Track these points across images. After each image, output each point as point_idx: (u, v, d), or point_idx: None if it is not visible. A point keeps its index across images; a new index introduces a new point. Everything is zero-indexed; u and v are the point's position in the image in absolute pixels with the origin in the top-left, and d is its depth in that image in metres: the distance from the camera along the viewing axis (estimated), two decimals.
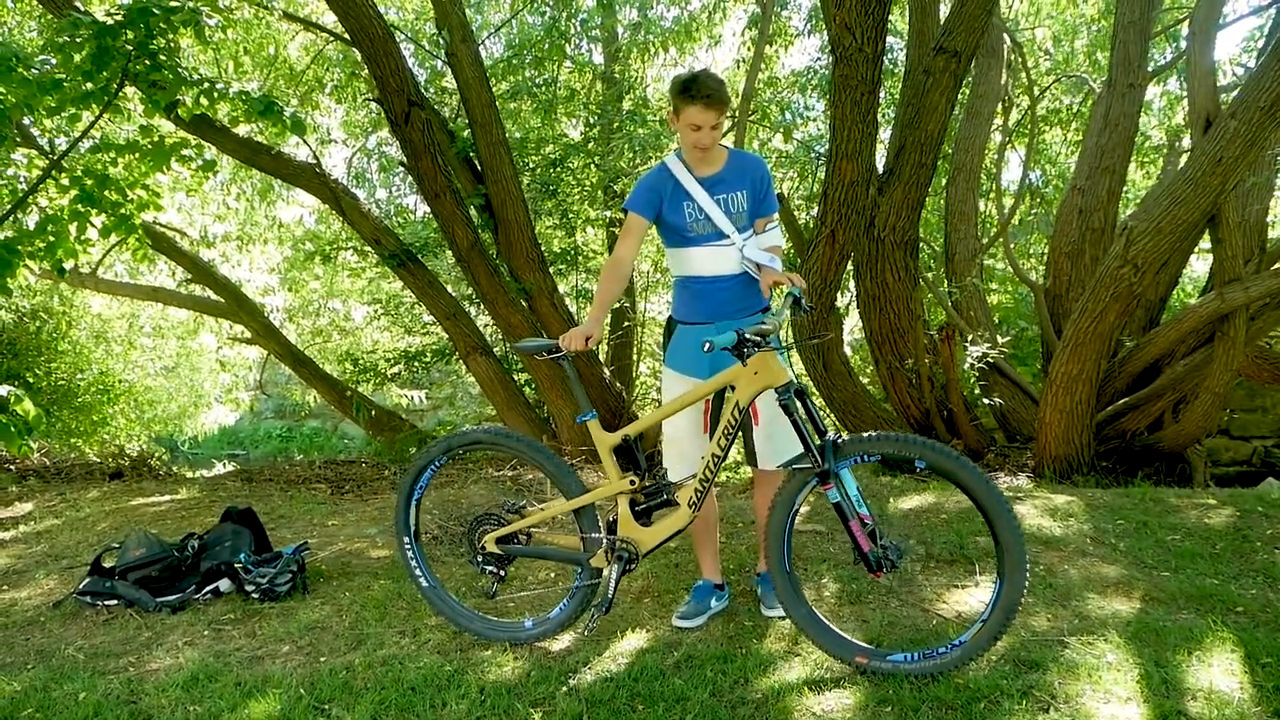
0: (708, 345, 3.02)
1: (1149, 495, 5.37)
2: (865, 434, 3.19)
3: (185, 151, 7.11)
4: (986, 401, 7.67)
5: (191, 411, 15.01)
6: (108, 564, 4.41)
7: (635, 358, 10.25)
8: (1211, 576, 4.05)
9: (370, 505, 6.14)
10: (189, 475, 8.90)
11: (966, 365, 7.31)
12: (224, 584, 4.26)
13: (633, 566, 3.44)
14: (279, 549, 4.48)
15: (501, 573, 3.64)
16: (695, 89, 3.29)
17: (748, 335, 3.07)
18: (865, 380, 9.31)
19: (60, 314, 12.36)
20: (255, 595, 4.17)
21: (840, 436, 3.13)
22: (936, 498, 5.40)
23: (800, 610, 3.23)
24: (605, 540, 3.45)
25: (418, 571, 3.72)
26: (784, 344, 3.23)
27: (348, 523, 5.66)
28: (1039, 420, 6.65)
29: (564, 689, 3.16)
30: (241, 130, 8.23)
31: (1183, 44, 11.45)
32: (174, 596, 4.18)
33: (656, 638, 3.55)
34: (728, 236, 3.50)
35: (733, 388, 3.28)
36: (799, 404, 3.14)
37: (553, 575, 4.40)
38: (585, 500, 3.47)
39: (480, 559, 3.64)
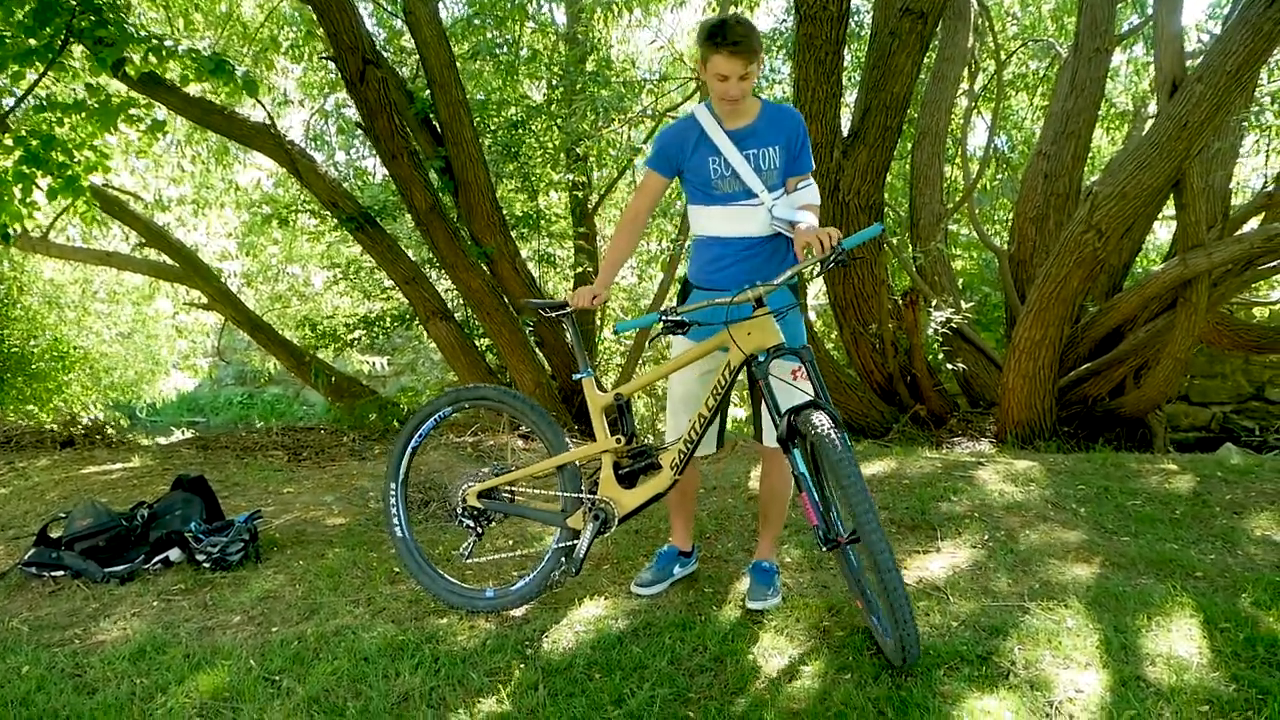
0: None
1: (1110, 460, 5.38)
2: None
3: (133, 111, 6.92)
4: (950, 367, 7.67)
5: (149, 378, 14.74)
6: (54, 534, 4.29)
7: (599, 323, 10.15)
8: (1171, 541, 4.05)
9: (328, 473, 6.04)
10: (143, 443, 8.72)
11: (930, 331, 7.30)
12: (174, 553, 4.15)
13: (609, 529, 3.37)
14: (231, 517, 4.38)
15: (479, 530, 3.58)
16: (721, 35, 3.04)
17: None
18: (829, 346, 9.30)
19: (11, 279, 12.06)
20: (206, 565, 4.08)
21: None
22: (898, 464, 5.38)
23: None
24: (585, 500, 3.39)
25: (396, 520, 3.65)
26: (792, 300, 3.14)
27: (304, 490, 5.56)
28: (1001, 385, 6.65)
29: (520, 658, 3.10)
30: (194, 90, 8.03)
31: (1149, 8, 11.47)
32: (122, 567, 4.08)
33: (615, 605, 3.50)
34: (756, 196, 3.26)
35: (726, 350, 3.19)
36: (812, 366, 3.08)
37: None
38: (569, 457, 3.42)
39: (460, 511, 3.58)
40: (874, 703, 2.73)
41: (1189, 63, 6.33)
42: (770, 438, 3.45)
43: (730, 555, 4.03)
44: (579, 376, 3.43)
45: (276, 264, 13.23)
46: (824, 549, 3.01)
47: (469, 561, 3.69)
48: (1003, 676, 2.84)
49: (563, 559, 3.46)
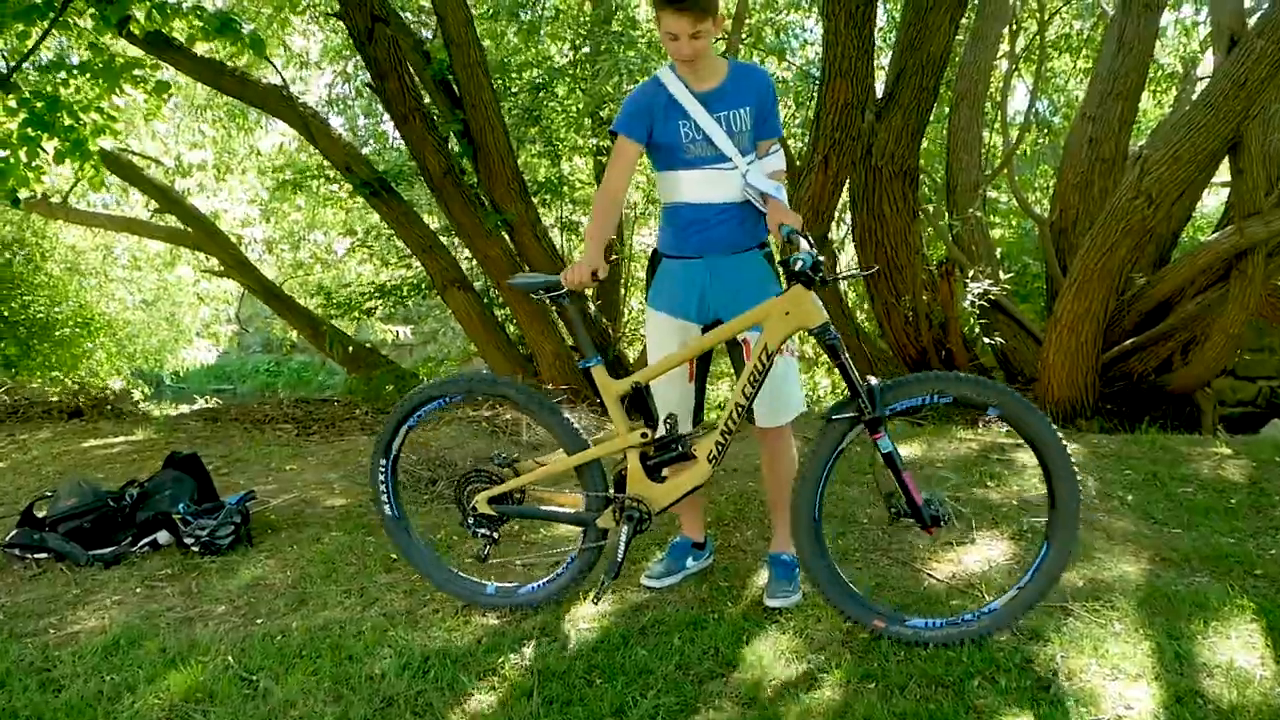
0: (798, 264, 2.70)
1: (1158, 443, 5.05)
2: (913, 375, 2.88)
3: (138, 73, 6.71)
4: (987, 341, 7.32)
5: (172, 346, 14.70)
6: (40, 514, 4.09)
7: (624, 292, 9.88)
8: (1227, 534, 3.75)
9: (335, 448, 5.83)
10: (153, 414, 8.58)
11: (967, 303, 6.96)
12: (162, 536, 3.94)
13: (645, 527, 3.08)
14: (224, 499, 4.17)
15: (495, 535, 3.26)
16: None
17: (821, 260, 2.74)
18: (861, 317, 8.98)
19: (34, 245, 11.98)
20: (195, 549, 3.87)
21: (885, 381, 2.81)
22: (930, 445, 5.09)
23: (821, 563, 2.90)
24: (615, 499, 3.10)
25: (385, 499, 3.33)
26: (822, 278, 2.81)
27: (307, 467, 5.35)
28: (1042, 361, 6.32)
29: (516, 660, 2.87)
30: (208, 52, 7.81)
31: None
32: (108, 550, 3.88)
33: (622, 600, 3.26)
34: (729, 160, 3.04)
35: (758, 329, 2.91)
36: (843, 346, 2.79)
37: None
38: (590, 455, 3.10)
39: (472, 521, 3.26)
40: (900, 717, 2.47)
41: (1249, 18, 5.91)
42: (766, 418, 3.22)
43: (749, 545, 3.77)
44: (587, 364, 3.11)
45: (299, 230, 13.04)
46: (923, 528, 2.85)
47: (487, 563, 3.40)
48: (1043, 689, 2.57)
49: (588, 563, 3.20)
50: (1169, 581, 3.25)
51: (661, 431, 3.07)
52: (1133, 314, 6.65)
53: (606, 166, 3.29)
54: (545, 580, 3.23)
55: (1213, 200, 10.98)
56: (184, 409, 13.55)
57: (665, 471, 3.10)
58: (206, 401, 14.43)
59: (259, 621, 3.26)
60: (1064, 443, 2.72)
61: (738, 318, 2.94)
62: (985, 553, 3.57)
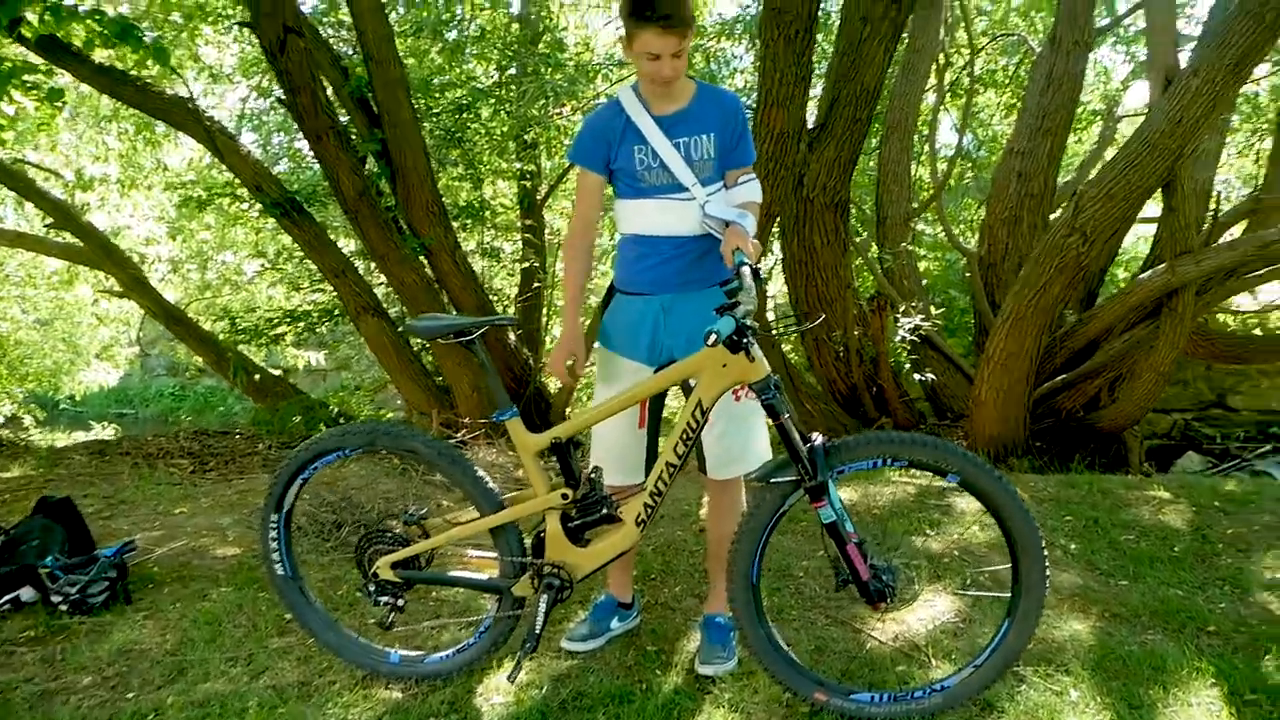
0: (712, 337, 2.39)
1: (1095, 485, 4.93)
2: (864, 434, 2.63)
3: (29, 78, 6.27)
4: (917, 377, 7.19)
5: (68, 368, 13.95)
6: None
7: (545, 320, 9.57)
8: (1175, 586, 3.60)
9: (232, 487, 5.41)
10: (37, 446, 8.00)
11: (898, 338, 6.82)
12: (26, 593, 3.51)
13: (565, 595, 2.77)
14: (99, 550, 3.76)
15: (400, 602, 2.93)
16: (650, 7, 2.55)
17: (747, 324, 2.44)
18: (787, 349, 8.81)
19: None
20: (64, 607, 3.45)
21: (830, 440, 2.53)
22: (864, 487, 4.89)
23: (758, 631, 2.64)
24: (532, 565, 2.80)
25: (276, 556, 2.98)
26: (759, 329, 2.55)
27: (199, 510, 4.93)
28: (973, 399, 6.19)
29: None
30: (107, 58, 7.36)
31: (1118, 4, 11.14)
32: None
33: (540, 670, 2.96)
34: (686, 189, 2.79)
35: (692, 382, 2.65)
36: (784, 403, 2.53)
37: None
38: (506, 517, 2.78)
39: (374, 589, 2.92)
40: None
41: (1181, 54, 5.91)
42: (718, 468, 2.96)
43: (678, 602, 3.50)
44: (501, 417, 2.79)
45: (206, 250, 12.45)
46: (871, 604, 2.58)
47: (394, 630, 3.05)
48: None
49: (503, 632, 2.88)
50: (1122, 640, 3.07)
51: (586, 490, 2.78)
52: (1064, 351, 6.57)
53: (575, 206, 3.02)
54: (455, 649, 2.91)
55: (1128, 237, 11.11)
56: (78, 436, 12.90)
57: (589, 534, 2.82)
58: (103, 428, 13.74)
59: (129, 696, 2.88)
60: (1031, 515, 2.50)
61: (675, 365, 2.68)
62: (930, 610, 3.36)
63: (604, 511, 2.74)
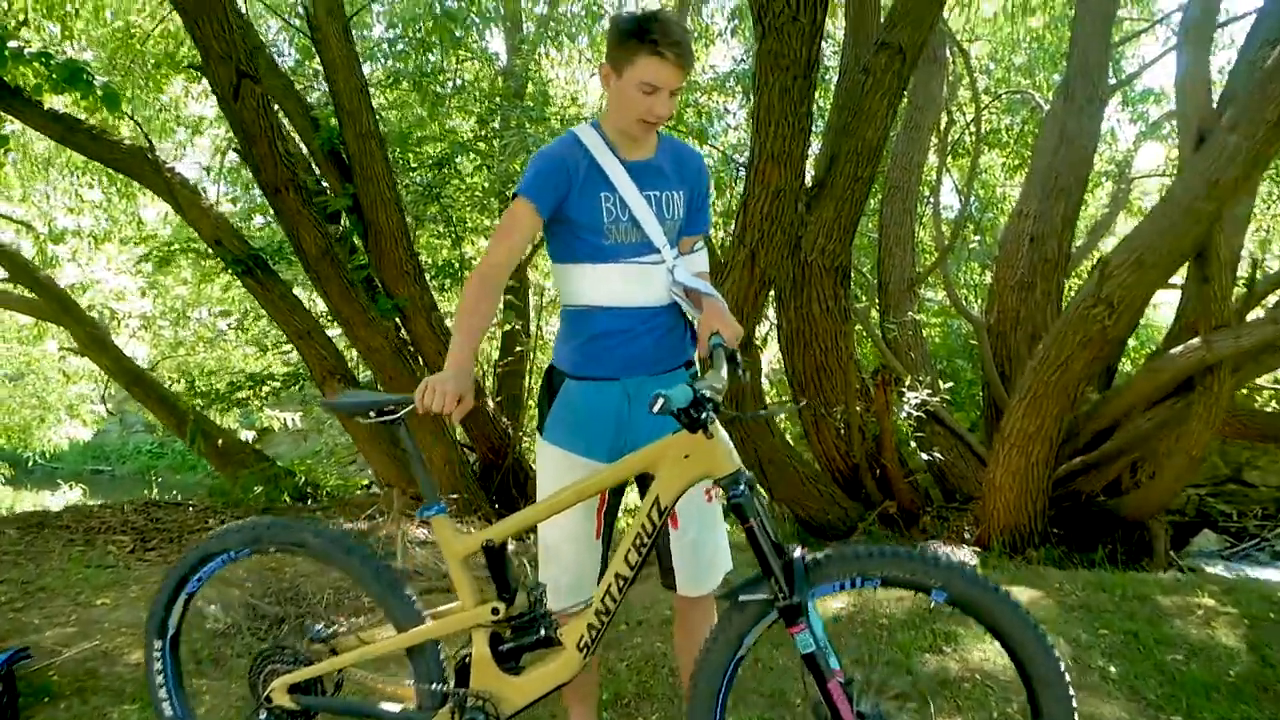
0: (659, 402, 1.90)
1: (1129, 588, 4.37)
2: (849, 548, 2.10)
3: None
4: (924, 456, 6.65)
5: (38, 425, 13.49)
6: None
7: (528, 385, 9.06)
8: None
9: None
10: None
11: (903, 414, 6.30)
12: None
13: None
14: None
15: None
16: (661, 33, 2.12)
17: (707, 395, 1.94)
18: (784, 427, 8.29)
19: None
20: None
21: (809, 555, 2.03)
22: (858, 596, 4.33)
23: None
24: (454, 694, 2.28)
25: (163, 694, 2.52)
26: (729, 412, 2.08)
27: (124, 600, 4.37)
28: (988, 483, 5.66)
29: None
30: (64, 105, 6.95)
31: (1123, 63, 10.79)
32: None
33: None
34: (657, 251, 2.34)
35: (649, 476, 2.18)
36: (756, 504, 2.02)
37: None
38: (425, 634, 2.29)
39: (264, 715, 2.42)
40: None
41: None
42: (689, 584, 2.46)
43: None
44: (426, 513, 2.28)
45: (180, 307, 12.00)
46: None
47: None
48: None
49: None
50: None
51: (523, 607, 2.26)
52: (1086, 432, 6.04)
53: (491, 239, 2.50)
54: None
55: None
56: (44, 496, 12.35)
57: (523, 660, 2.30)
58: (70, 488, 13.18)
59: None
60: (1045, 636, 1.95)
61: (629, 456, 2.18)
62: None
63: (541, 633, 2.23)
